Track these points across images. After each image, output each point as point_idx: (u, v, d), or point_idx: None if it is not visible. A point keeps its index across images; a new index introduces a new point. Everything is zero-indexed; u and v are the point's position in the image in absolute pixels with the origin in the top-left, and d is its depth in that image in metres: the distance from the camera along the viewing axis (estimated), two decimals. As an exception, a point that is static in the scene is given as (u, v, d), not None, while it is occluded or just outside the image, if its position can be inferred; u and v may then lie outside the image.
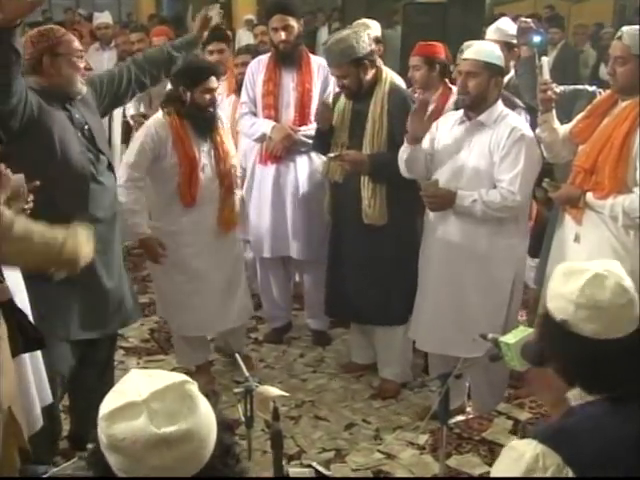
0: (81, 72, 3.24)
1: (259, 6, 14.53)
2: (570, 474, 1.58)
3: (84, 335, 3.30)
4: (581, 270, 1.78)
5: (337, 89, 4.22)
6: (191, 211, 3.98)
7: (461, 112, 3.64)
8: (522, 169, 3.44)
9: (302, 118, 4.48)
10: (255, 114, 4.56)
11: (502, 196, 3.46)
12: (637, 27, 3.25)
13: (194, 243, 4.03)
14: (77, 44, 3.25)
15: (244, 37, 11.35)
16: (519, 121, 3.59)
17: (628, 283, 1.78)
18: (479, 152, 3.53)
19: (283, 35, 4.37)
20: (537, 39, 3.76)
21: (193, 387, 1.40)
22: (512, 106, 3.86)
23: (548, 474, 1.58)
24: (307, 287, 4.87)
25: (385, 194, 3.94)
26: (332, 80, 4.42)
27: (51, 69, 3.15)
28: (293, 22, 4.36)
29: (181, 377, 1.41)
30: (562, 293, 1.76)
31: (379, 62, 4.12)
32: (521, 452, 1.63)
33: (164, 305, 4.27)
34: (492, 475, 1.71)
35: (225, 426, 1.45)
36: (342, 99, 4.10)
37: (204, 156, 3.97)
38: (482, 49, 3.56)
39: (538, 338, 1.86)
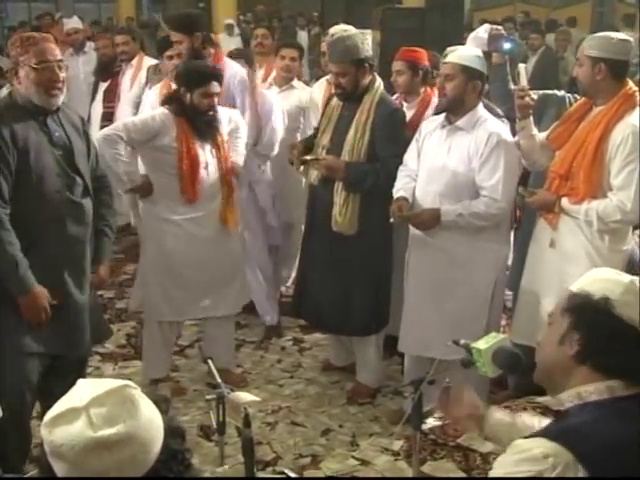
0: (58, 84, 3.06)
1: (239, 11, 14.56)
2: (581, 473, 1.53)
3: (52, 350, 3.22)
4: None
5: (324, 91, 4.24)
6: (194, 206, 3.99)
7: (443, 116, 3.65)
8: (502, 175, 3.44)
9: None
10: None
11: (486, 204, 3.47)
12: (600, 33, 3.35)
13: (195, 236, 4.02)
14: (57, 52, 3.08)
15: (224, 42, 11.34)
16: (498, 126, 3.58)
17: None
18: (458, 157, 3.53)
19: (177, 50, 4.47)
20: (507, 46, 3.77)
21: (135, 391, 1.39)
22: (494, 115, 3.87)
23: (557, 472, 1.54)
24: (255, 285, 4.86)
25: (358, 205, 3.90)
26: (241, 88, 4.49)
27: (26, 79, 3.01)
28: (181, 37, 4.37)
29: (123, 382, 1.40)
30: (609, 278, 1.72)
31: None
32: (527, 448, 1.59)
33: (146, 288, 4.20)
34: (495, 474, 1.64)
35: (174, 432, 1.44)
36: (334, 101, 4.08)
37: (207, 155, 3.98)
38: (462, 53, 3.59)
39: (576, 328, 1.69)
